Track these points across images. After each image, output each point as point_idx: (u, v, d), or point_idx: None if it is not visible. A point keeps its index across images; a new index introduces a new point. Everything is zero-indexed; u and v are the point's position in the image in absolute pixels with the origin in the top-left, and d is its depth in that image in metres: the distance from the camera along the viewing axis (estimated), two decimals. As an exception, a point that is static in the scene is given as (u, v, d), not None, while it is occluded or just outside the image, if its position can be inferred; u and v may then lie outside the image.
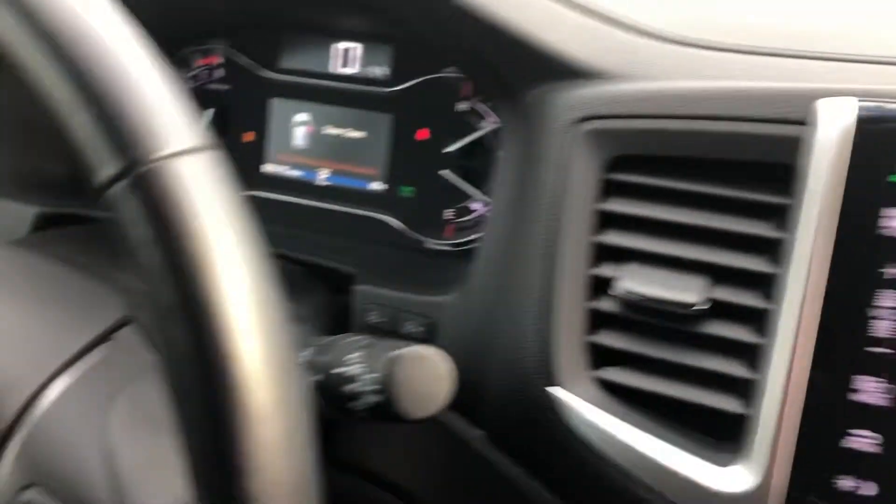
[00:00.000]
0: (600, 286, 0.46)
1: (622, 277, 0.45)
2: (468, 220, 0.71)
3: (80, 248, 0.60)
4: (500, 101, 0.53)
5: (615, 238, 0.46)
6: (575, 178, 0.46)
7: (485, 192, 0.70)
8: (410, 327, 0.54)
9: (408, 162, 0.73)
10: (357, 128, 0.74)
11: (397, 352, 0.40)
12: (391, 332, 0.54)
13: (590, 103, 0.47)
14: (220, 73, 0.78)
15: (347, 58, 0.74)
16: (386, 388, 0.39)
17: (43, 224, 0.66)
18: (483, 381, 0.50)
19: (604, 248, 0.46)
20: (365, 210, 0.73)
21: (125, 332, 0.43)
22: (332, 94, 0.74)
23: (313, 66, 0.75)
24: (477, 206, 0.70)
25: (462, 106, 0.70)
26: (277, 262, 0.63)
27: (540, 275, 0.46)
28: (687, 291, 0.44)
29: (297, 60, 0.75)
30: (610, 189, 0.47)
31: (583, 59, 0.49)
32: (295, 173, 0.76)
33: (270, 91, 0.76)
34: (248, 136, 0.77)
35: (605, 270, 0.46)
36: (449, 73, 0.69)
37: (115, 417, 0.38)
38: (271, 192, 0.77)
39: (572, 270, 0.45)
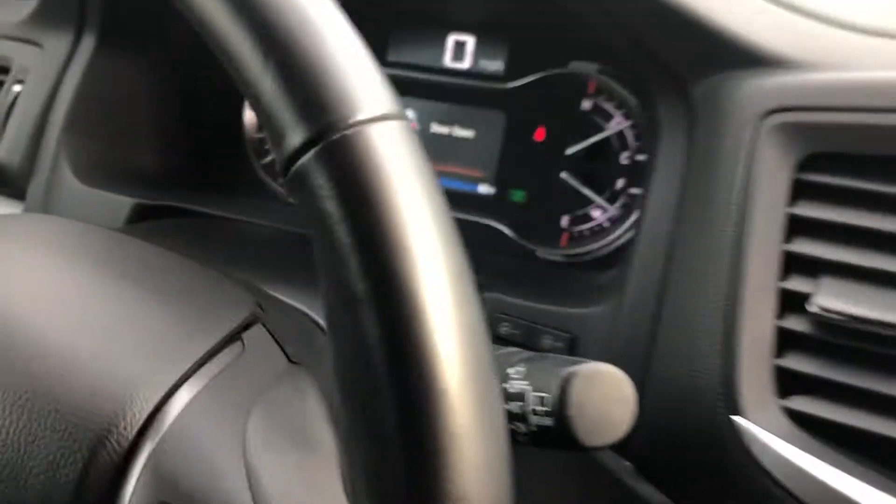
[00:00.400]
0: (789, 302, 0.40)
1: (818, 293, 0.39)
2: (587, 229, 0.65)
3: (186, 241, 0.56)
4: (660, 94, 0.47)
5: (808, 247, 0.40)
6: (762, 178, 0.40)
7: (607, 199, 0.64)
8: (548, 341, 0.48)
9: (521, 164, 0.67)
10: (466, 126, 0.69)
11: (573, 368, 0.34)
12: (524, 345, 0.49)
13: (778, 93, 0.41)
14: (321, 65, 0.74)
15: (459, 51, 0.69)
16: (559, 410, 0.34)
17: (139, 216, 0.62)
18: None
19: (794, 258, 0.40)
20: (472, 215, 0.68)
21: (255, 333, 0.39)
22: (440, 90, 0.69)
23: (422, 60, 0.70)
24: (597, 214, 0.65)
25: (586, 104, 0.65)
26: None
27: (724, 287, 0.40)
28: (897, 311, 0.38)
29: (405, 53, 0.71)
30: (801, 191, 0.41)
31: (766, 45, 0.43)
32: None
33: (374, 85, 0.72)
34: (350, 132, 0.73)
35: (797, 284, 0.40)
36: (574, 68, 0.64)
37: (253, 430, 0.33)
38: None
39: (760, 283, 0.39)
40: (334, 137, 0.25)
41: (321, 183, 0.25)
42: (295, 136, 0.25)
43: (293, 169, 0.26)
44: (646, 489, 0.45)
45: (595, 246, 0.64)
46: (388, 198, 0.25)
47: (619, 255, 0.63)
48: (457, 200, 0.69)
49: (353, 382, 0.25)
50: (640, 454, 0.45)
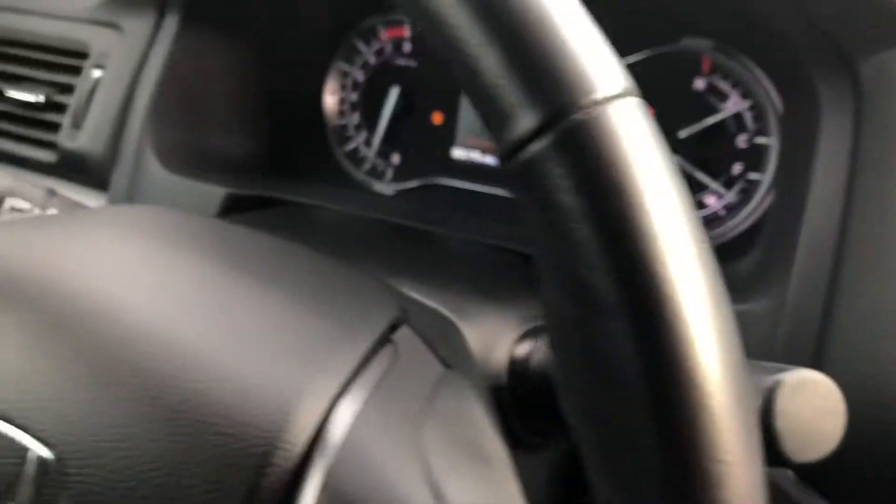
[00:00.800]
0: None
1: None
2: (700, 217, 0.61)
3: (288, 235, 0.53)
4: (822, 72, 0.43)
5: None
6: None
7: (723, 184, 0.60)
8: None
9: (625, 148, 0.63)
10: (565, 109, 0.65)
11: (779, 377, 0.31)
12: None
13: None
14: (408, 46, 0.70)
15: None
16: (766, 422, 0.31)
17: (232, 206, 0.59)
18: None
19: None
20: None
21: (404, 335, 0.35)
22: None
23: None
24: (712, 201, 0.61)
25: (699, 84, 0.61)
26: (501, 254, 0.55)
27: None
28: None
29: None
30: None
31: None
32: (489, 159, 0.68)
33: (464, 67, 0.68)
34: (437, 118, 0.70)
35: None
36: (686, 45, 0.60)
37: (432, 447, 0.30)
38: (461, 179, 0.69)
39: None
40: (574, 120, 0.22)
41: (560, 172, 0.22)
42: (525, 120, 0.22)
43: (520, 156, 0.22)
44: (810, 499, 0.41)
45: (710, 235, 0.61)
46: (640, 189, 0.21)
47: (737, 245, 0.59)
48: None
49: (598, 403, 0.22)
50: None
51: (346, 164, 0.73)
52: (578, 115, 0.22)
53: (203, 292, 0.35)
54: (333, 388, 0.30)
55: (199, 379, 0.30)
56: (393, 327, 0.35)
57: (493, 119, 0.23)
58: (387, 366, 0.33)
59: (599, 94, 0.22)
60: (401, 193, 0.72)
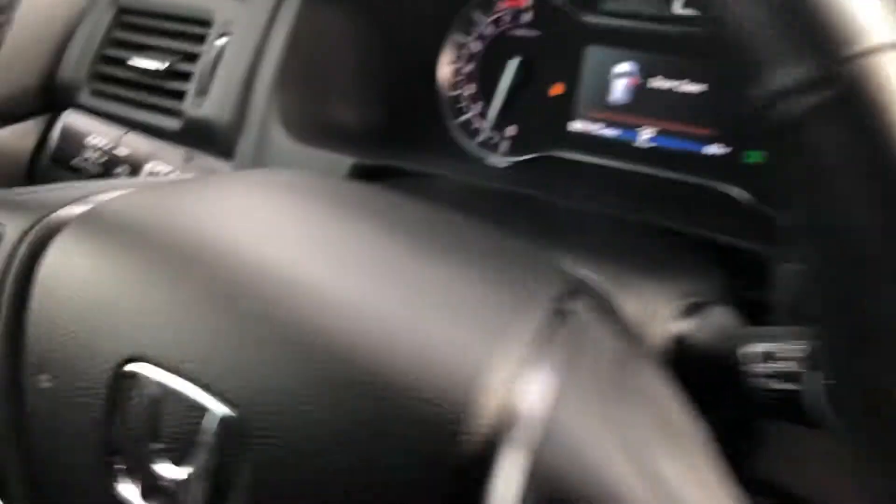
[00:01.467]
0: None
1: None
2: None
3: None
4: None
5: None
6: None
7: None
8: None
9: (759, 121, 0.61)
10: (695, 80, 0.63)
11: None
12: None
13: None
14: (527, 16, 0.69)
15: (688, -3, 0.63)
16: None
17: (357, 175, 0.59)
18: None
19: None
20: (699, 178, 0.62)
21: (578, 306, 0.34)
22: (665, 40, 0.63)
23: (645, 7, 0.64)
24: (854, 177, 0.58)
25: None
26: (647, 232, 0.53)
27: None
28: None
29: (624, 0, 0.65)
30: None
31: None
32: (610, 132, 0.66)
33: (587, 37, 0.66)
34: (556, 89, 0.68)
35: None
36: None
37: (632, 421, 0.29)
38: (580, 152, 0.67)
39: None
40: (853, 75, 0.20)
41: (831, 127, 0.20)
42: (797, 71, 0.21)
43: (788, 107, 0.21)
44: None
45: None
46: None
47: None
48: (680, 161, 0.63)
49: (872, 378, 0.21)
50: None
51: (460, 136, 0.72)
52: (857, 70, 0.20)
53: (378, 260, 0.34)
54: (516, 353, 0.29)
55: (384, 344, 0.29)
56: (567, 296, 0.34)
57: (755, 65, 0.21)
58: (566, 338, 0.32)
59: (874, 43, 0.20)
60: (515, 166, 0.70)
